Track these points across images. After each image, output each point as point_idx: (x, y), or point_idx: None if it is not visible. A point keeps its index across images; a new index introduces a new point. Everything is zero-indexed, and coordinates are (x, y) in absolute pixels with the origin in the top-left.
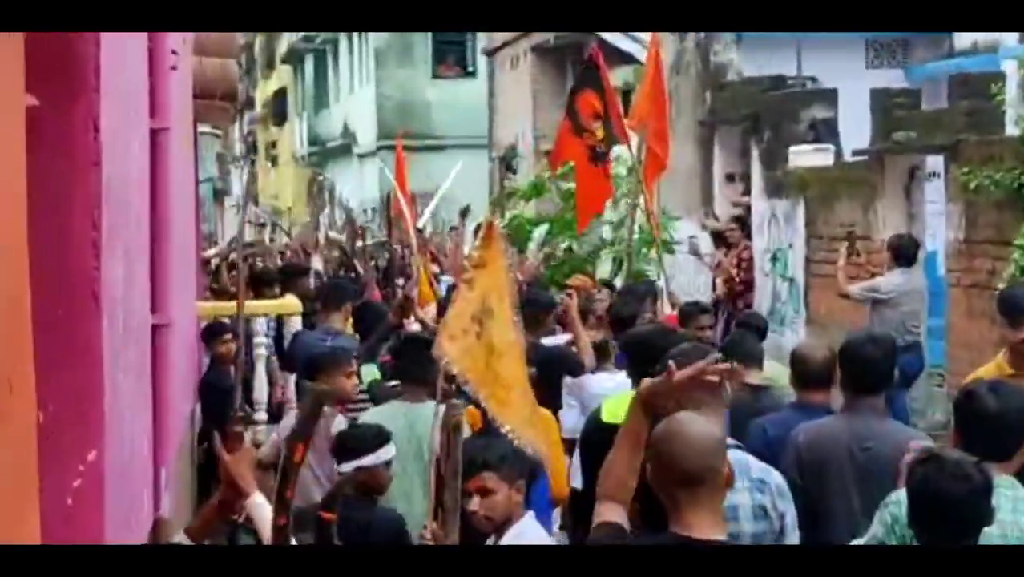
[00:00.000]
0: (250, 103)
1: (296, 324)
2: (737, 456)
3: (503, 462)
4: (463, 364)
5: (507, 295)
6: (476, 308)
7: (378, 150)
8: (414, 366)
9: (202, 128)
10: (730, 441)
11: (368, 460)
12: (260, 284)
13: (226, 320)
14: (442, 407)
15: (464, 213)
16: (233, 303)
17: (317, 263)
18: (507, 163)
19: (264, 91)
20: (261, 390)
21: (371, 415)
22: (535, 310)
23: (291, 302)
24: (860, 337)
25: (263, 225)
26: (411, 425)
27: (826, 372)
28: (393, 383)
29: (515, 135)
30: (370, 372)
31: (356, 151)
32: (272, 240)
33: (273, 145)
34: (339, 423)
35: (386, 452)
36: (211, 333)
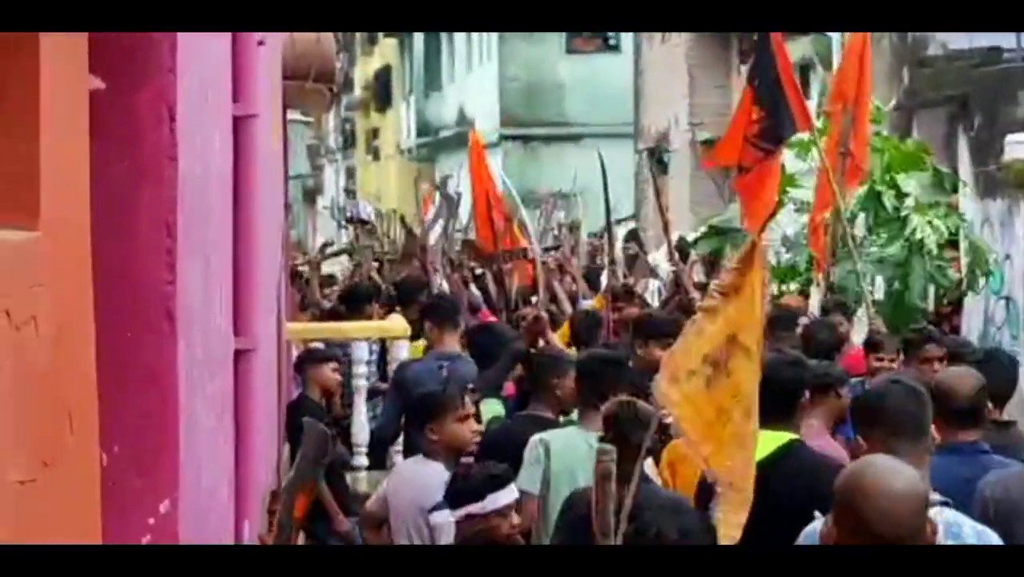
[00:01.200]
0: (348, 85)
1: (403, 351)
2: (950, 516)
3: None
4: (682, 412)
5: (760, 331)
6: (712, 346)
7: (501, 141)
8: (598, 385)
9: (292, 115)
10: (937, 497)
11: (475, 507)
12: (356, 301)
13: (320, 345)
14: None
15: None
16: (326, 325)
17: (439, 280)
18: (656, 156)
19: (365, 71)
20: (361, 430)
21: (550, 438)
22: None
23: (397, 324)
24: None
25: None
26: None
27: (976, 406)
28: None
29: (666, 122)
30: (492, 408)
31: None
32: (365, 247)
33: (375, 135)
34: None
35: (501, 497)
36: (309, 360)
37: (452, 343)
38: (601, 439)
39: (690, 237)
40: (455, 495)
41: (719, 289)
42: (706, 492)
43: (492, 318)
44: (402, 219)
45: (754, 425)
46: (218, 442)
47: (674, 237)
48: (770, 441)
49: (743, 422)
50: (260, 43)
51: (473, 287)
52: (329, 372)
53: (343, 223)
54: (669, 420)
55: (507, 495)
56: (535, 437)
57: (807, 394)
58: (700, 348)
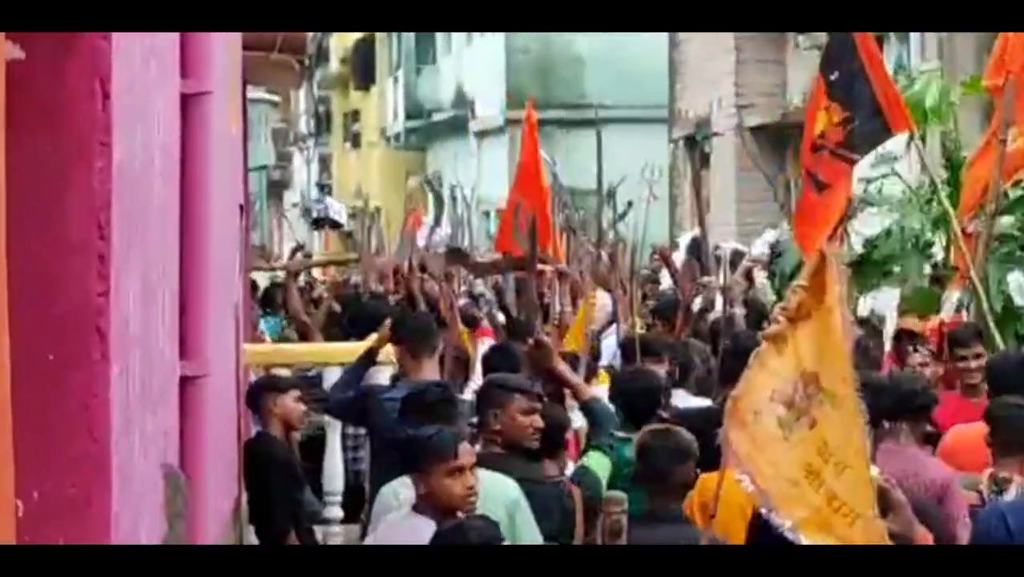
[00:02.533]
0: (322, 58)
1: (384, 378)
2: None
3: None
4: (756, 466)
5: (846, 365)
6: (782, 381)
7: (507, 125)
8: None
9: (254, 93)
10: None
11: None
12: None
13: (285, 372)
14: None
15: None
16: (297, 347)
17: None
18: (696, 145)
19: (343, 41)
20: (334, 474)
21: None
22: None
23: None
24: None
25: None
26: None
27: None
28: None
29: (708, 105)
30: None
31: (474, 127)
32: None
33: (354, 117)
34: None
35: None
36: (266, 389)
37: (430, 371)
38: (630, 477)
39: (737, 246)
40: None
41: (785, 313)
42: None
43: (490, 334)
44: None
45: (859, 493)
46: (160, 488)
47: (726, 246)
48: None
49: (839, 486)
50: None
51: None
52: (291, 403)
53: (313, 225)
54: (742, 482)
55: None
56: (388, 488)
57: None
58: (767, 384)
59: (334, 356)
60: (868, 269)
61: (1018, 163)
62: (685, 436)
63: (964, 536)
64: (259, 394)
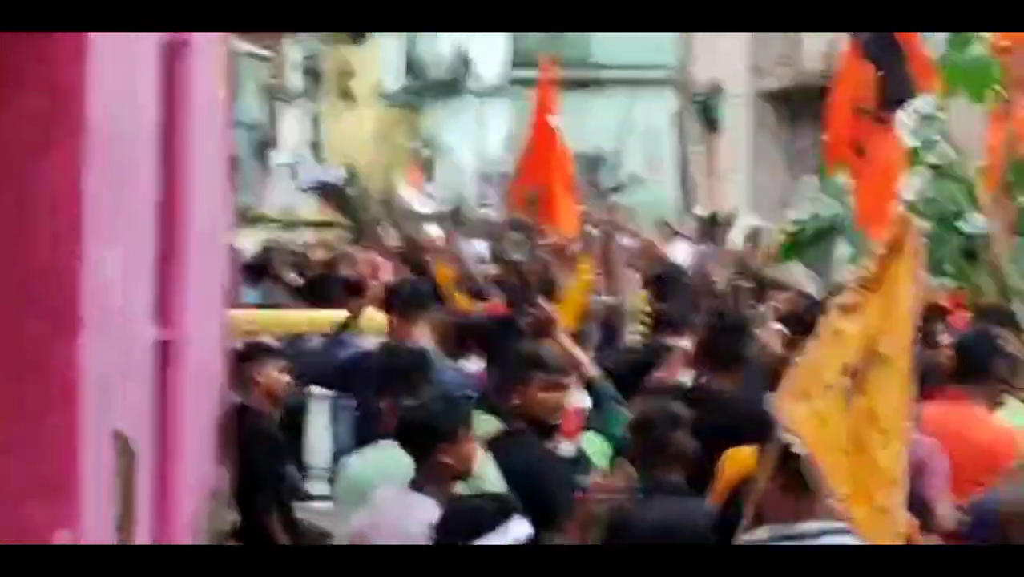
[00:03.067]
0: None
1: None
2: None
3: None
4: (814, 437)
5: (909, 331)
6: (854, 353)
7: (511, 85)
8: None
9: (240, 47)
10: None
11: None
12: (326, 289)
13: (271, 340)
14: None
15: (617, 188)
16: (282, 313)
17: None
18: (708, 110)
19: None
20: (319, 447)
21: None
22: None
23: (371, 316)
24: None
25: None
26: None
27: None
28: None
29: (721, 68)
30: (485, 426)
31: (474, 87)
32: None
33: (348, 75)
34: None
35: (515, 530)
36: (252, 356)
37: (421, 337)
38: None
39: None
40: (460, 533)
41: (862, 281)
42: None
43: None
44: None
45: (898, 462)
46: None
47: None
48: None
49: (884, 455)
50: None
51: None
52: (276, 373)
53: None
54: (795, 448)
55: (521, 527)
56: (356, 460)
57: None
58: (838, 356)
59: (321, 323)
60: None
61: None
62: (677, 405)
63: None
64: (242, 363)
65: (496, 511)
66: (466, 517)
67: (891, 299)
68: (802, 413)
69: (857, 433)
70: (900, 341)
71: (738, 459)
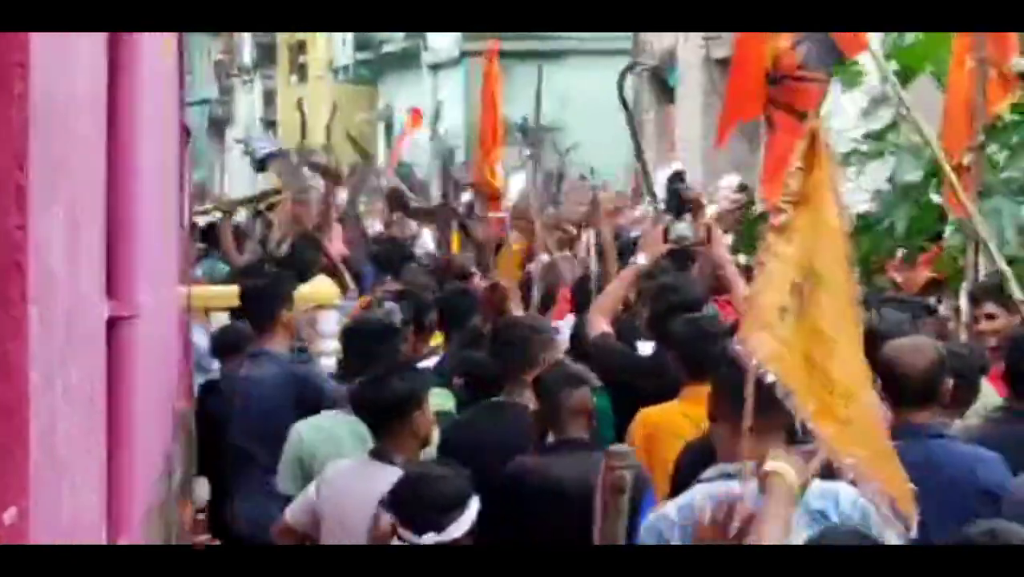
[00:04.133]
0: None
1: (332, 324)
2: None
3: None
4: (780, 368)
5: (840, 244)
6: (796, 271)
7: (462, 58)
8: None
9: None
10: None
11: (434, 537)
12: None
13: (223, 315)
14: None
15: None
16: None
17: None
18: (660, 78)
19: None
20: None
21: (304, 428)
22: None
23: (323, 288)
24: None
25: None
26: None
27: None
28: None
29: (674, 35)
30: (442, 399)
31: (427, 59)
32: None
33: (300, 49)
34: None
35: (464, 523)
36: (228, 343)
37: (278, 342)
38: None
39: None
40: (411, 518)
41: (788, 198)
42: (684, 476)
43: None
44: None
45: (850, 370)
46: (85, 436)
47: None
48: None
49: (835, 367)
50: None
51: None
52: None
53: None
54: (770, 378)
55: (468, 519)
56: (305, 428)
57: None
58: (784, 277)
59: (221, 299)
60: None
61: (1000, 94)
62: (575, 365)
63: None
64: (224, 348)
65: (461, 488)
66: (424, 504)
67: (816, 212)
68: (768, 344)
69: (808, 351)
70: (833, 255)
71: (648, 421)
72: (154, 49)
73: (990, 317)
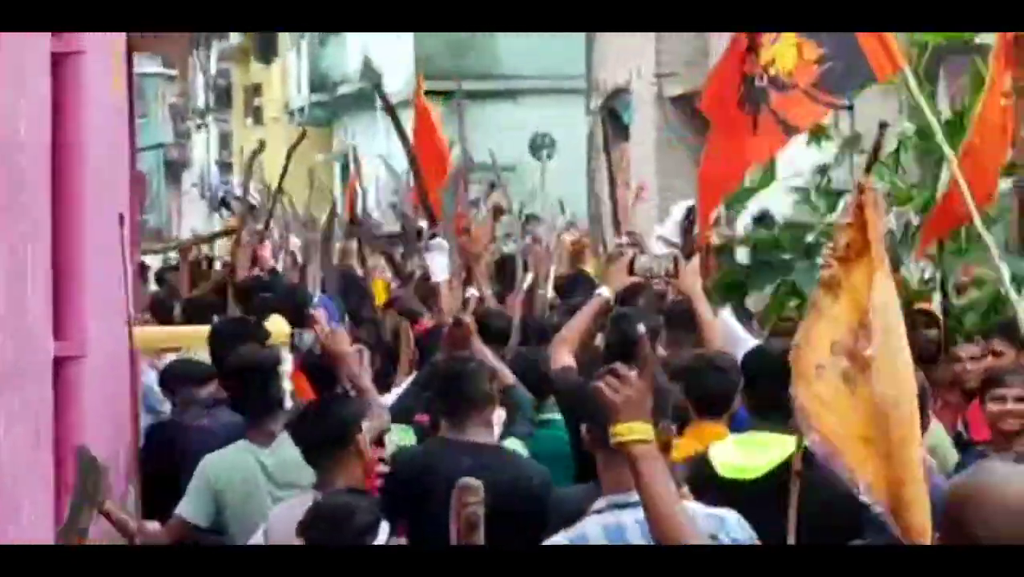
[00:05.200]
0: None
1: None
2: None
3: None
4: (824, 423)
5: (892, 302)
6: (843, 330)
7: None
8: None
9: (145, 67)
10: None
11: None
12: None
13: (188, 355)
14: None
15: (493, 185)
16: (187, 330)
17: None
18: (615, 116)
19: None
20: None
21: (213, 460)
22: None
23: (276, 327)
24: None
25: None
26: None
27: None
28: None
29: (627, 74)
30: (403, 435)
31: (415, 97)
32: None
33: (256, 91)
34: None
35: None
36: (183, 377)
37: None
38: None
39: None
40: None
41: (835, 254)
42: None
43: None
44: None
45: (909, 440)
46: (29, 478)
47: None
48: (771, 446)
49: (895, 443)
50: None
51: None
52: (212, 391)
53: (220, 207)
54: (812, 445)
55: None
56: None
57: None
58: (824, 333)
59: (191, 340)
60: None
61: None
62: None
63: None
64: (175, 382)
65: (371, 515)
66: (346, 519)
67: (867, 270)
68: (809, 401)
69: (867, 420)
70: (893, 313)
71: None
72: (103, 89)
73: (996, 354)
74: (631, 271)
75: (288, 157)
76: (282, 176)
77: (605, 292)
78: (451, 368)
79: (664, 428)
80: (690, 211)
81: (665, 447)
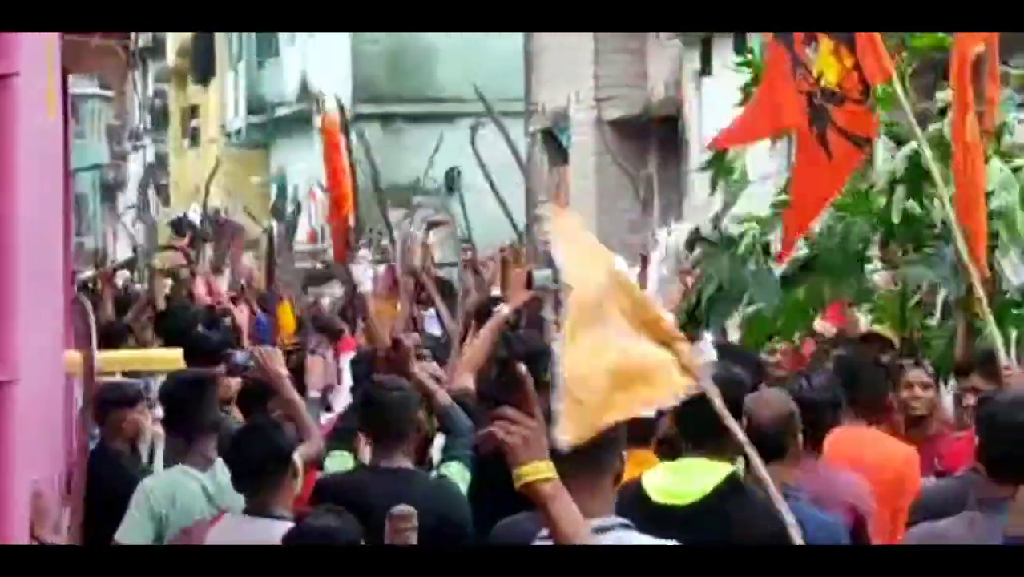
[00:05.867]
0: (158, 50)
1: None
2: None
3: None
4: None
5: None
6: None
7: (356, 120)
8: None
9: (82, 87)
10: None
11: None
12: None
13: (126, 379)
14: None
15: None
16: (129, 353)
17: None
18: (553, 139)
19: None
20: None
21: (153, 485)
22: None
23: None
24: None
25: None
26: None
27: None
28: None
29: (566, 97)
30: (340, 463)
31: (319, 123)
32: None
33: (193, 113)
34: None
35: None
36: (111, 402)
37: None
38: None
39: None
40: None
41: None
42: None
43: (352, 347)
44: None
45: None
46: None
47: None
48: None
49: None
50: None
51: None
52: (135, 417)
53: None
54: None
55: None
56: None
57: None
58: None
59: (161, 363)
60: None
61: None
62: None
63: None
64: (104, 406)
65: (352, 535)
66: (332, 536)
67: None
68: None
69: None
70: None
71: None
72: (37, 111)
73: (976, 391)
74: (529, 285)
75: (207, 185)
76: (205, 201)
77: (504, 309)
78: (378, 396)
79: (618, 459)
80: (693, 234)
81: (616, 478)
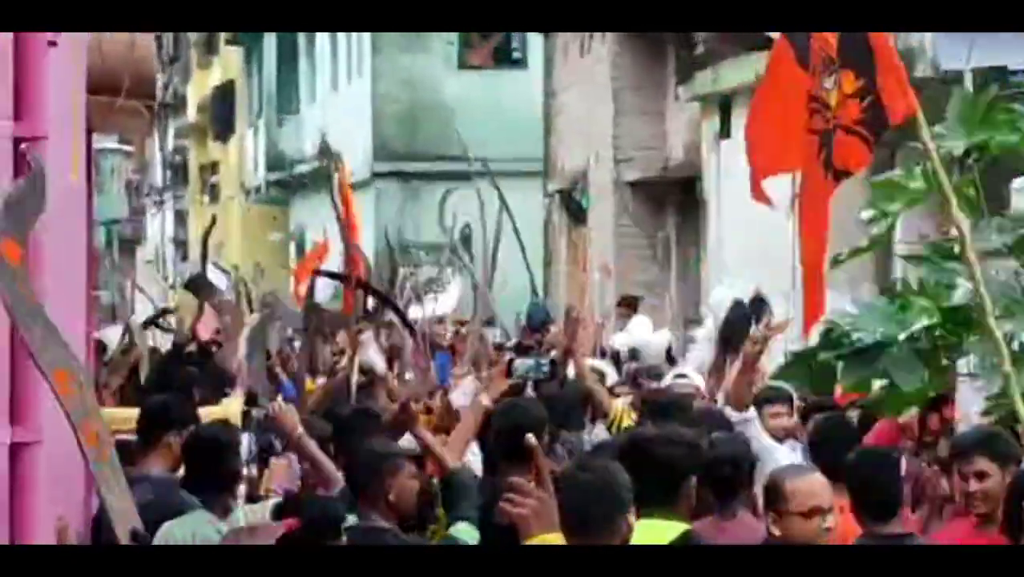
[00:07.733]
0: (179, 106)
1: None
2: None
3: None
4: None
5: None
6: None
7: (373, 179)
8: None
9: (102, 142)
10: None
11: None
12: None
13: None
14: None
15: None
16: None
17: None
18: (573, 200)
19: (200, 86)
20: None
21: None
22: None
23: (232, 408)
24: None
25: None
26: None
27: None
28: None
29: (585, 158)
30: None
31: (337, 181)
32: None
33: (212, 169)
34: None
35: None
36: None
37: (157, 463)
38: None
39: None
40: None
41: None
42: None
43: None
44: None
45: None
46: None
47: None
48: (657, 532)
49: None
50: (51, 43)
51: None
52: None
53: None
54: None
55: None
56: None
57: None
58: None
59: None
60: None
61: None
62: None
63: None
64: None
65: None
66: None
67: None
68: None
69: None
70: None
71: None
72: (63, 173)
73: (980, 476)
74: (508, 374)
75: (204, 242)
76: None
77: (485, 400)
78: (370, 458)
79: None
80: (741, 305)
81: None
